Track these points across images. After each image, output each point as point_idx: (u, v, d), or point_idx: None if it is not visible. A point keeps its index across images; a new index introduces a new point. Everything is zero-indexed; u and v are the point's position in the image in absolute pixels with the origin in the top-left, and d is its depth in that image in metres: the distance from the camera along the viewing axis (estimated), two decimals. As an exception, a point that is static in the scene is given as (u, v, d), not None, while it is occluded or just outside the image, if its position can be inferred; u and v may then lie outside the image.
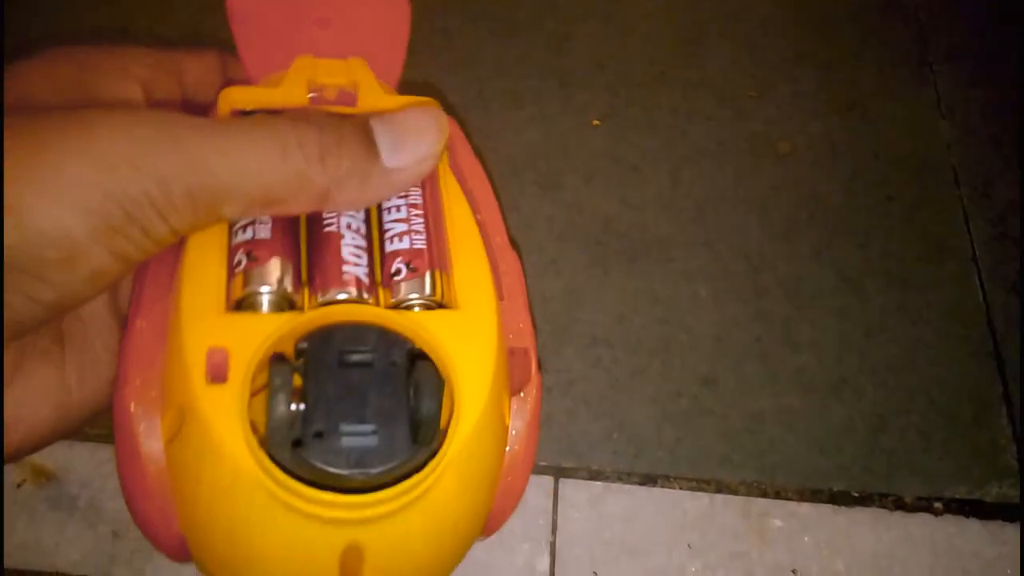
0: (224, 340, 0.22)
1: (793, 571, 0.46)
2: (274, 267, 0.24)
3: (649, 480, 0.49)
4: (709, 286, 0.56)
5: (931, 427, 0.50)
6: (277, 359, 0.23)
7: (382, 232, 0.27)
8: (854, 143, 0.64)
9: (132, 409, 0.23)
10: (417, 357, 0.25)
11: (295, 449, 0.21)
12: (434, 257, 0.26)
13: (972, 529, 0.47)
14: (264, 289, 0.24)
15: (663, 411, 0.51)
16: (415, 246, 0.27)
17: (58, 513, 0.47)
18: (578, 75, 0.67)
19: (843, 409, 0.51)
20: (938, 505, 0.48)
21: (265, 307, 0.24)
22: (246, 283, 0.24)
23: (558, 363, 0.53)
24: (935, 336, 0.54)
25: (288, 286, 0.24)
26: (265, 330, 0.23)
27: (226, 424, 0.21)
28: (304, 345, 0.23)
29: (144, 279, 0.25)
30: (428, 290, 0.25)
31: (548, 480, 0.49)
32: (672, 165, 0.62)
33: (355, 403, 0.23)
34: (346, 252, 0.26)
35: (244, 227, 0.25)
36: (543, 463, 0.49)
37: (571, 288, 0.56)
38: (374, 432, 0.23)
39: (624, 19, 0.70)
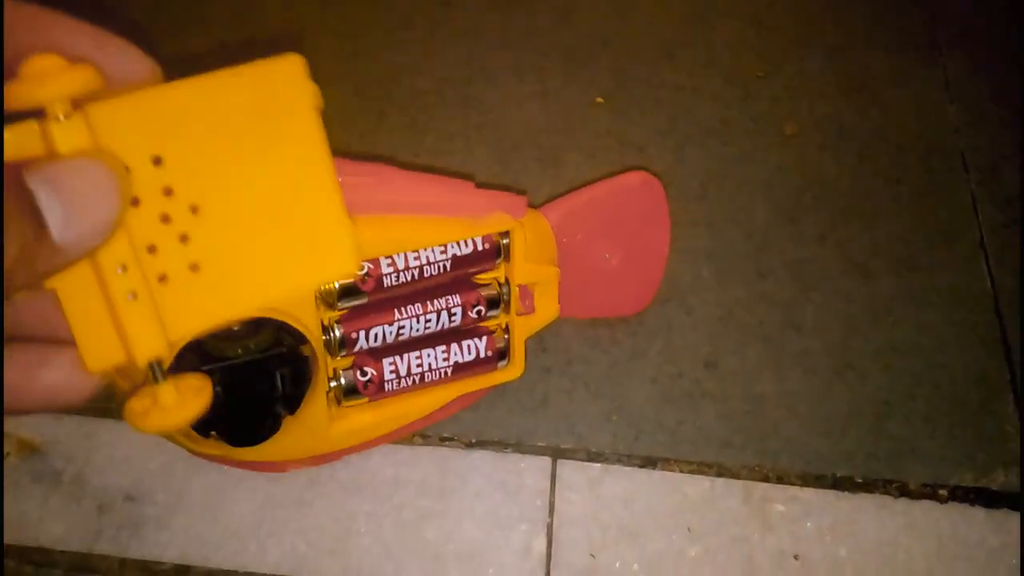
0: None
1: (795, 556, 0.45)
2: None
3: (649, 463, 0.48)
4: (712, 267, 0.55)
5: (937, 413, 0.49)
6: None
7: None
8: (862, 125, 0.62)
9: None
10: (284, 335, 0.39)
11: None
12: None
13: (977, 517, 0.46)
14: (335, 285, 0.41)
15: (664, 393, 0.50)
16: None
17: (42, 487, 0.46)
18: (582, 51, 0.66)
19: (847, 393, 0.50)
20: (943, 492, 0.47)
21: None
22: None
23: (556, 343, 0.52)
24: (942, 321, 0.53)
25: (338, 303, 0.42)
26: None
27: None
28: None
29: None
30: (349, 401, 0.45)
31: (546, 461, 0.47)
32: (676, 144, 0.61)
33: (224, 416, 0.38)
34: None
35: None
36: (540, 443, 0.48)
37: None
38: (248, 429, 0.39)
39: (629, -5, 0.69)
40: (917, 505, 0.46)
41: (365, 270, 0.40)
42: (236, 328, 0.37)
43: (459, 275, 0.43)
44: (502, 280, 0.44)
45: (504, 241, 0.43)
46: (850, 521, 0.46)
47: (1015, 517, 0.46)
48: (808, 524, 0.46)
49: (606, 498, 0.46)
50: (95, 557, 0.44)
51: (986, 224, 0.57)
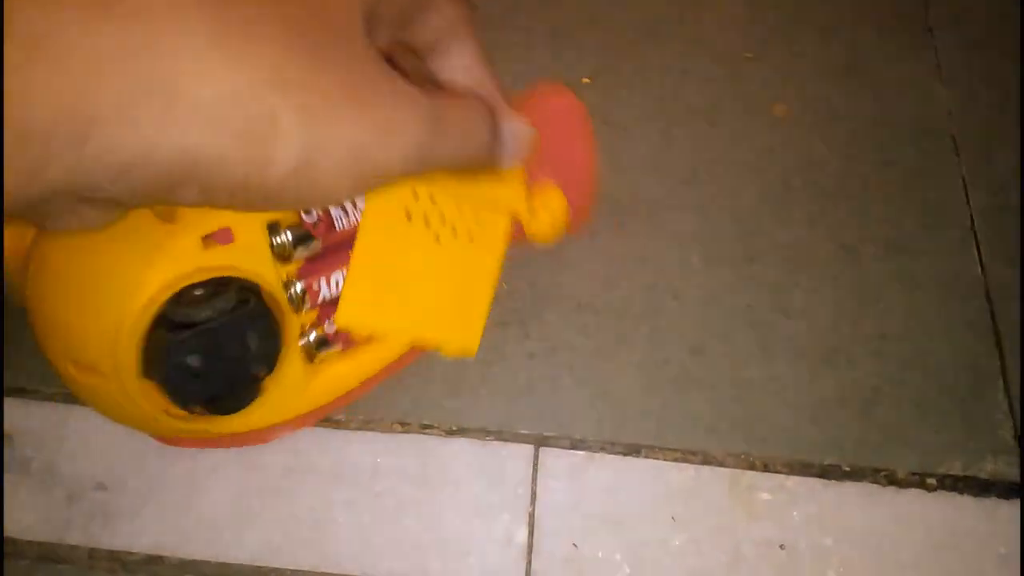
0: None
1: (781, 546, 0.44)
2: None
3: (633, 450, 0.47)
4: (700, 251, 0.54)
5: (926, 400, 0.49)
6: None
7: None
8: (852, 107, 0.61)
9: None
10: (247, 293, 0.37)
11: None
12: None
13: (966, 506, 0.45)
14: (288, 237, 0.38)
15: (649, 379, 0.49)
16: None
17: (10, 475, 0.45)
18: (569, 30, 0.65)
19: (836, 380, 0.49)
20: (931, 481, 0.46)
21: (276, 239, 0.38)
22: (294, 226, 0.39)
23: (540, 329, 0.51)
24: (931, 306, 0.52)
25: (293, 251, 0.39)
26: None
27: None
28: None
29: None
30: (321, 353, 0.43)
31: (528, 449, 0.46)
32: (664, 125, 0.60)
33: (205, 384, 0.36)
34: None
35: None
36: (523, 431, 0.47)
37: (556, 252, 0.53)
38: (229, 394, 0.38)
39: (617, -27, 0.67)
40: (905, 494, 0.46)
41: (316, 217, 0.39)
42: (198, 292, 0.35)
43: None
44: None
45: None
46: (837, 510, 0.45)
47: (1004, 506, 0.45)
48: (794, 513, 0.45)
49: (589, 486, 0.46)
50: (64, 547, 0.43)
51: (977, 209, 0.56)
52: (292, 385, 0.41)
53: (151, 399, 0.37)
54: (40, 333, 0.38)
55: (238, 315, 0.36)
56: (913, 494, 0.46)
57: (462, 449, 0.46)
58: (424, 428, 0.47)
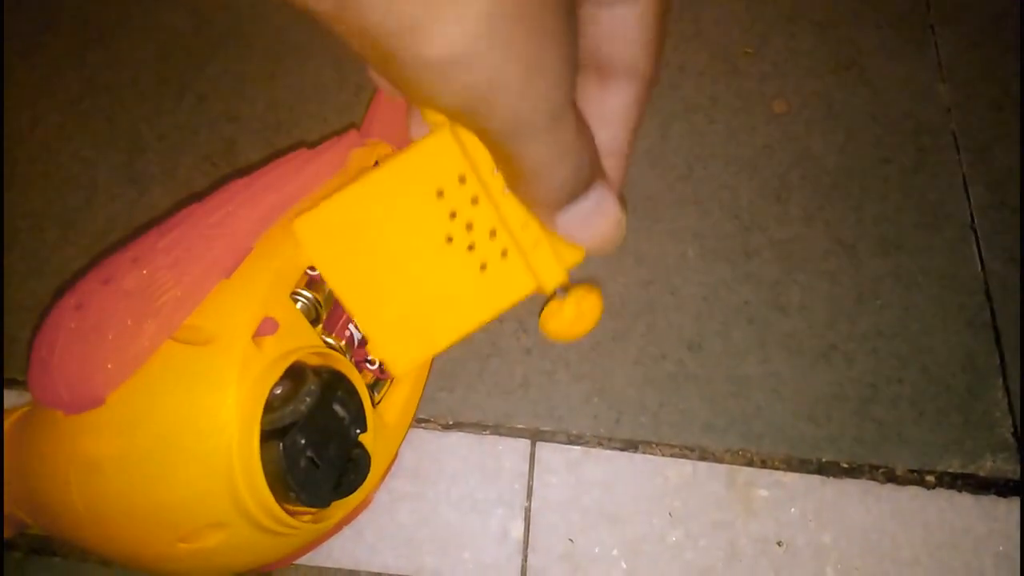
0: (275, 313, 0.34)
1: (778, 543, 0.44)
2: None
3: (630, 446, 0.46)
4: (697, 246, 0.54)
5: (924, 397, 0.48)
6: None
7: None
8: (851, 104, 0.61)
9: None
10: (314, 370, 0.36)
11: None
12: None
13: (965, 503, 0.45)
14: (309, 296, 0.37)
15: (646, 375, 0.49)
16: None
17: (1, 468, 0.44)
18: (566, 25, 0.64)
19: (833, 376, 0.49)
20: (930, 478, 0.46)
21: (299, 305, 0.36)
22: (307, 284, 0.37)
23: (536, 324, 0.50)
24: (930, 303, 0.52)
25: (323, 309, 0.37)
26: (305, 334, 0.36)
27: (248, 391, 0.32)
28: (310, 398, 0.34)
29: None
30: (378, 395, 0.41)
31: (524, 444, 0.46)
32: (661, 120, 0.59)
33: (326, 471, 0.35)
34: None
35: None
36: (520, 426, 0.47)
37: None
38: (350, 472, 0.36)
39: (616, -32, 0.67)
40: (904, 491, 0.45)
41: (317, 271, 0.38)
42: (278, 391, 0.34)
43: None
44: None
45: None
46: (835, 507, 0.45)
47: (1003, 503, 0.45)
48: (792, 509, 0.45)
49: (586, 482, 0.45)
50: (56, 539, 0.42)
51: (976, 205, 0.56)
52: (379, 433, 0.40)
53: (288, 515, 0.34)
54: (119, 539, 0.33)
55: (322, 392, 0.35)
56: (912, 491, 0.45)
57: (458, 444, 0.46)
58: (420, 422, 0.47)
